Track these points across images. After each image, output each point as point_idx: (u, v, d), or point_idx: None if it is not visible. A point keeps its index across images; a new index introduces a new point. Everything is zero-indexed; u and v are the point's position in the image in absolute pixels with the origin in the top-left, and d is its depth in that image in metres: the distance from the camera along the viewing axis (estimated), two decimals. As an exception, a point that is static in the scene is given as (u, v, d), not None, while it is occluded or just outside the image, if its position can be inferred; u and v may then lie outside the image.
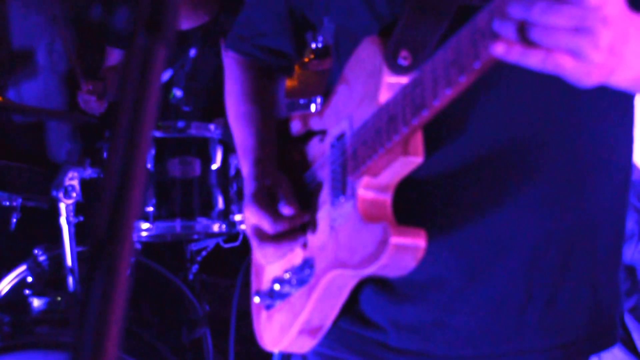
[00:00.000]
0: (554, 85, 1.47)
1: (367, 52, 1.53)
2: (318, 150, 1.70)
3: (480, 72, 1.18)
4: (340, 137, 1.59)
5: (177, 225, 3.28)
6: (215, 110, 3.58)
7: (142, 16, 0.84)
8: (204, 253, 3.66)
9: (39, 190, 3.46)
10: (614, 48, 1.06)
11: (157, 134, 3.24)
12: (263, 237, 1.64)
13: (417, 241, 1.39)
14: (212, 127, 3.34)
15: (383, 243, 1.38)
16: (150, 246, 3.53)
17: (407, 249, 1.39)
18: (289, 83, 3.68)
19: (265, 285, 1.81)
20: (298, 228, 1.65)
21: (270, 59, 1.87)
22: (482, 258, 1.54)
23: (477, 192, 1.53)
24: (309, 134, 1.76)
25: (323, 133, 1.69)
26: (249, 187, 1.71)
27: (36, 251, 3.31)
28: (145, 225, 3.26)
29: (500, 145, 1.51)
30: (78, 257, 3.09)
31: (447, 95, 1.23)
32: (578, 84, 1.10)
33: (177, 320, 3.45)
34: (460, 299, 1.56)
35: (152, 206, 3.24)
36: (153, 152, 3.24)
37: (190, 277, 3.58)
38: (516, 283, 1.55)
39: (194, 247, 3.62)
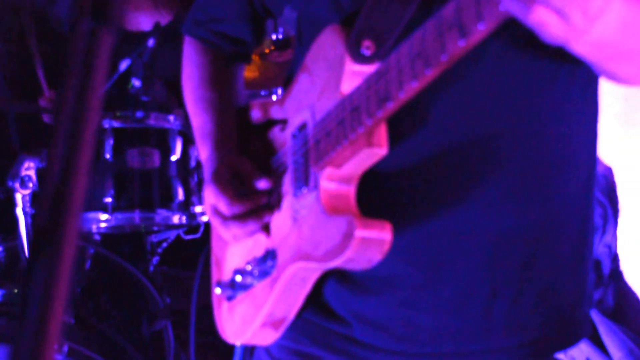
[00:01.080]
0: (519, 81, 1.48)
1: (329, 40, 1.52)
2: (279, 139, 1.69)
3: (447, 65, 1.17)
4: (302, 127, 1.58)
5: (136, 216, 3.26)
6: (174, 101, 3.58)
7: (86, 1, 0.83)
8: (164, 245, 3.65)
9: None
10: (597, 16, 1.05)
11: (116, 124, 3.22)
12: (225, 217, 1.63)
13: (383, 234, 1.38)
14: (171, 118, 3.33)
15: (348, 236, 1.37)
16: (109, 237, 3.50)
17: (373, 242, 1.38)
18: (250, 74, 3.70)
19: (226, 276, 1.80)
20: (263, 207, 1.64)
21: (228, 45, 1.86)
22: (444, 254, 1.53)
23: (439, 186, 1.51)
24: (269, 123, 1.74)
25: (284, 122, 1.68)
26: (208, 170, 1.70)
27: (-7, 243, 3.27)
28: (103, 217, 3.22)
29: (463, 139, 1.50)
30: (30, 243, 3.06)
31: (413, 87, 1.22)
32: (549, 41, 1.08)
33: (137, 313, 3.43)
34: (422, 296, 1.54)
35: (111, 197, 3.21)
36: (111, 142, 3.22)
37: (151, 269, 3.57)
38: (480, 280, 1.53)
39: (154, 238, 3.62)
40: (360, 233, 1.36)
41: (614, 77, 1.39)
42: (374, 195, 1.49)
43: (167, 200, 3.29)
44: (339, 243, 1.39)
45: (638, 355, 3.42)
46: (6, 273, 3.28)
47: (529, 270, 1.55)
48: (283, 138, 1.67)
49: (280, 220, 1.62)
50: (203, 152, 1.77)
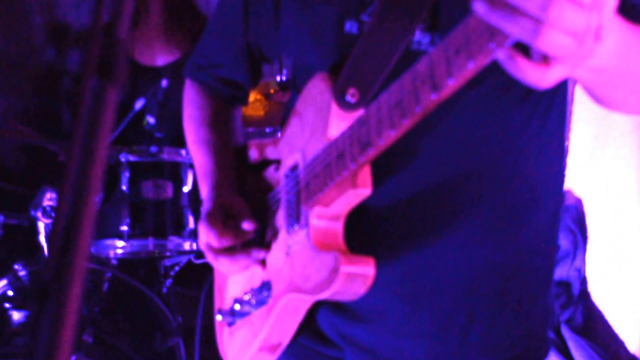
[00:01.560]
0: (494, 128, 1.50)
1: (317, 87, 1.53)
2: (274, 178, 1.69)
3: (422, 116, 1.19)
4: (294, 168, 1.58)
5: (150, 243, 3.28)
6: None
7: (93, 60, 0.85)
8: (176, 268, 3.65)
9: (19, 209, 3.44)
10: (603, 39, 1.01)
11: (132, 157, 3.24)
12: (216, 251, 1.62)
13: (366, 269, 1.39)
14: (183, 152, 3.35)
15: (334, 271, 1.38)
16: (125, 262, 3.51)
17: (357, 276, 1.39)
18: (256, 112, 3.70)
19: (226, 304, 1.80)
20: (252, 243, 1.64)
21: (226, 89, 1.85)
22: (426, 286, 1.54)
23: (421, 224, 1.52)
24: (265, 162, 1.74)
25: (278, 162, 1.68)
26: (204, 208, 1.69)
27: (16, 266, 3.28)
28: (120, 243, 3.25)
29: (442, 180, 1.51)
30: (45, 272, 3.06)
31: (391, 135, 1.25)
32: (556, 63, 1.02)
33: (151, 331, 3.43)
34: (406, 324, 1.55)
35: (127, 225, 3.23)
36: (127, 174, 3.24)
37: (164, 290, 3.57)
38: (459, 308, 1.54)
39: (167, 262, 3.61)
40: (345, 269, 1.38)
41: (606, 103, 1.38)
42: (362, 232, 1.50)
43: (179, 229, 3.31)
44: (326, 277, 1.41)
45: (603, 368, 3.43)
46: (29, 295, 3.28)
47: (502, 298, 1.56)
48: (277, 177, 1.67)
49: (275, 253, 1.62)
50: (203, 191, 1.75)
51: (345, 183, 1.39)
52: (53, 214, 2.98)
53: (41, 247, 3.04)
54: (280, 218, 1.62)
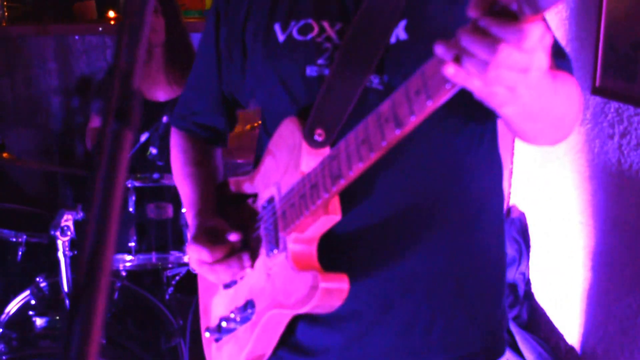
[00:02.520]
0: (444, 152, 1.53)
1: (288, 129, 1.54)
2: (251, 210, 1.69)
3: (387, 149, 1.21)
4: (270, 200, 1.59)
5: (154, 257, 3.28)
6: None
7: (112, 106, 0.86)
8: (177, 278, 3.64)
9: (40, 229, 3.45)
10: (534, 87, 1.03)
11: (137, 183, 3.24)
12: (210, 264, 1.60)
13: (342, 284, 1.40)
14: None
15: (314, 288, 1.39)
16: (133, 273, 3.50)
17: (334, 291, 1.40)
18: (244, 144, 3.70)
19: (212, 322, 1.79)
20: (241, 250, 1.63)
21: (205, 133, 1.86)
22: (392, 294, 1.55)
23: (384, 241, 1.54)
24: (243, 196, 1.75)
25: (254, 196, 1.69)
26: (191, 233, 1.68)
27: (38, 279, 3.28)
28: (128, 257, 3.26)
29: (401, 202, 1.52)
30: (73, 283, 3.06)
31: (360, 167, 1.27)
32: (495, 107, 1.07)
33: (156, 333, 3.42)
34: (375, 327, 1.56)
35: (134, 242, 3.24)
36: (134, 198, 3.23)
37: (167, 297, 3.56)
38: (421, 311, 1.55)
39: (169, 273, 3.61)
40: (323, 285, 1.39)
41: (523, 136, 1.41)
42: (332, 252, 1.51)
43: (179, 244, 3.31)
44: (306, 293, 1.41)
45: (546, 357, 3.44)
46: (50, 304, 3.27)
47: (459, 299, 1.58)
48: (255, 208, 1.67)
49: (255, 276, 1.62)
50: (189, 218, 1.75)
51: (318, 211, 1.40)
52: (69, 233, 2.97)
53: (59, 262, 3.03)
54: (260, 244, 1.62)
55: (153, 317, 3.44)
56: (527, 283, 3.81)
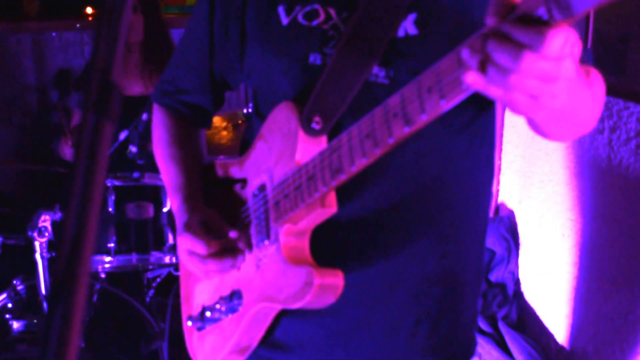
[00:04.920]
0: (438, 152, 1.52)
1: (283, 115, 1.52)
2: (239, 196, 1.67)
3: (393, 146, 1.20)
4: (262, 188, 1.57)
5: (134, 258, 3.26)
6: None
7: (92, 99, 0.88)
8: (158, 280, 3.64)
9: (17, 230, 3.43)
10: (563, 98, 1.01)
11: (117, 182, 3.23)
12: (203, 257, 1.57)
13: (336, 281, 1.40)
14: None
15: (308, 284, 1.39)
16: (113, 275, 3.49)
17: (329, 287, 1.40)
18: (226, 142, 3.70)
19: (195, 310, 1.77)
20: (235, 247, 1.60)
21: (191, 112, 1.80)
22: (379, 293, 1.55)
23: (377, 238, 1.54)
24: (231, 180, 1.72)
25: (243, 181, 1.67)
26: (180, 219, 1.64)
27: (15, 281, 3.27)
28: (107, 259, 3.24)
29: (395, 201, 1.52)
30: (50, 282, 3.06)
31: (363, 163, 1.26)
32: (516, 113, 1.05)
33: (137, 336, 3.42)
34: (359, 326, 1.56)
35: (113, 243, 3.22)
36: (113, 197, 3.23)
37: (147, 300, 3.56)
38: (407, 313, 1.56)
39: (150, 275, 3.61)
40: (318, 281, 1.39)
41: (547, 134, 1.41)
42: (325, 246, 1.50)
43: (159, 244, 3.30)
44: (300, 289, 1.41)
45: (536, 357, 3.45)
46: (27, 307, 3.26)
47: (444, 303, 1.59)
48: (244, 195, 1.65)
49: (244, 266, 1.60)
50: (174, 203, 1.70)
51: (315, 203, 1.39)
52: (47, 234, 2.97)
53: (37, 264, 3.02)
54: (249, 233, 1.60)
55: (133, 320, 3.43)
56: (517, 282, 3.81)
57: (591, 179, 3.25)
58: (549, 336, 3.53)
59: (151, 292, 3.58)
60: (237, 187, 1.69)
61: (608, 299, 3.15)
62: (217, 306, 1.67)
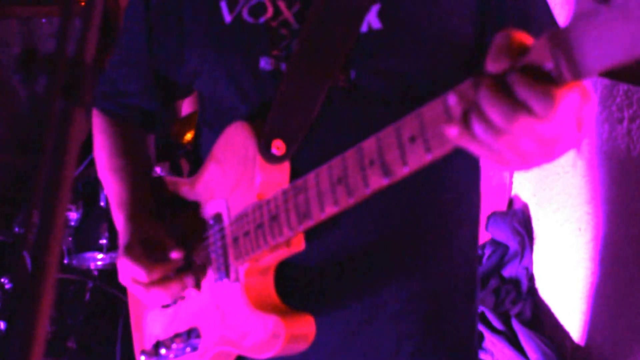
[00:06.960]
0: (412, 182, 1.37)
1: (239, 137, 1.39)
2: (192, 218, 1.52)
3: (369, 196, 1.11)
4: (217, 218, 1.45)
5: (127, 255, 3.26)
6: (161, 154, 3.56)
7: (59, 82, 0.82)
8: (153, 277, 3.62)
9: (4, 226, 3.43)
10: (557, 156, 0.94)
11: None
12: (146, 285, 1.43)
13: (307, 329, 1.33)
14: (157, 169, 3.30)
15: (276, 336, 1.30)
16: (105, 272, 3.47)
17: (300, 337, 1.32)
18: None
19: (147, 343, 1.63)
20: (182, 270, 1.46)
21: (136, 116, 1.65)
22: (355, 322, 1.46)
23: (350, 272, 1.44)
24: (181, 200, 1.58)
25: (196, 204, 1.53)
26: (122, 241, 1.49)
27: (2, 280, 3.23)
28: (99, 256, 3.23)
29: (368, 232, 1.43)
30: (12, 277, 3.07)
31: (334, 210, 1.17)
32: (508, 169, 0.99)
33: (130, 335, 3.40)
34: (338, 355, 1.47)
35: (106, 239, 3.21)
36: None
37: (142, 298, 3.55)
38: (386, 338, 1.47)
39: (144, 272, 3.59)
40: (288, 332, 1.30)
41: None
42: (293, 280, 1.41)
43: (153, 241, 3.29)
44: (267, 340, 1.32)
45: (551, 356, 3.46)
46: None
47: (430, 323, 1.50)
48: (197, 219, 1.51)
49: (201, 301, 1.49)
50: (118, 222, 1.54)
51: (279, 246, 1.30)
52: (34, 231, 2.93)
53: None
54: (207, 264, 1.47)
55: (127, 319, 3.41)
56: (531, 278, 3.80)
57: (609, 171, 3.21)
58: (565, 334, 3.51)
59: (146, 290, 3.57)
60: (189, 208, 1.55)
61: (626, 296, 3.12)
62: (174, 345, 1.53)
